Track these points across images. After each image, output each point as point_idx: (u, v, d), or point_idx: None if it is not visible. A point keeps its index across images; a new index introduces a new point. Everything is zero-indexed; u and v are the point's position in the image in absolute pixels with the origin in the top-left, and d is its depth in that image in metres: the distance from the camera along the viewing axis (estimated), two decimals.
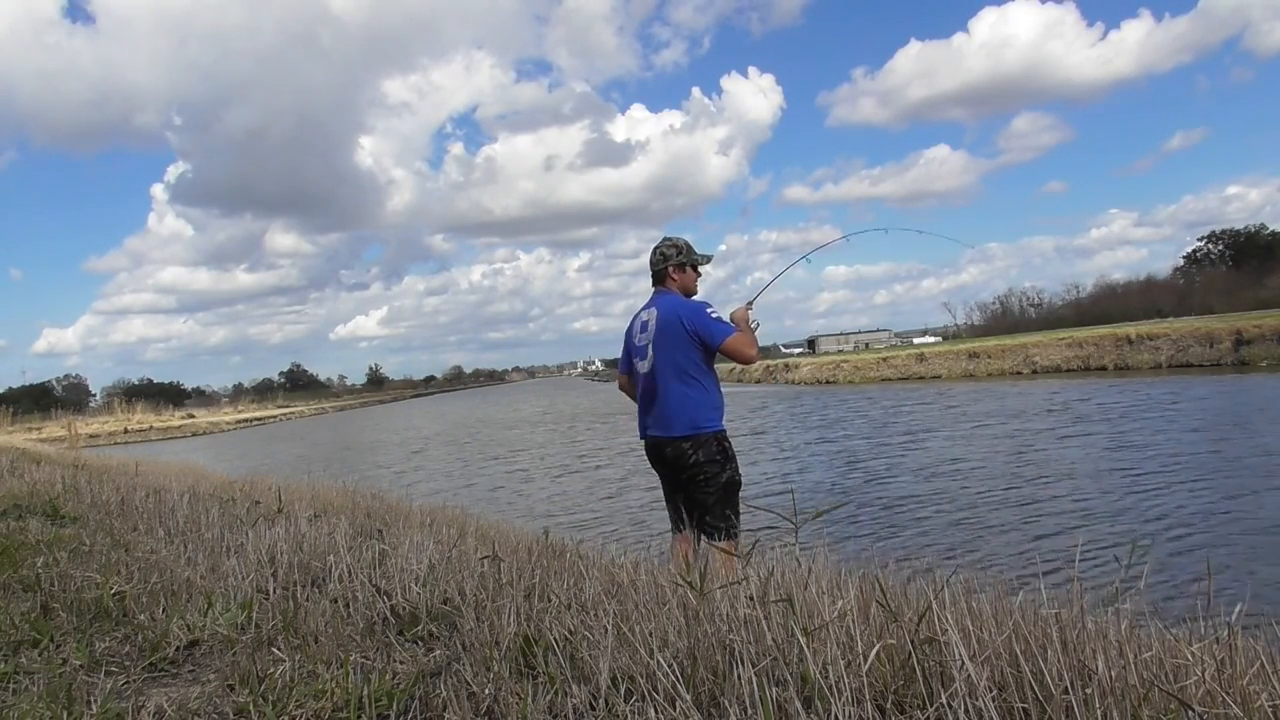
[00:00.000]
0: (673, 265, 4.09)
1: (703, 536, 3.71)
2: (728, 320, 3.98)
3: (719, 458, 3.87)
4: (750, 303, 4.22)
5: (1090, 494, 10.63)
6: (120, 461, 12.20)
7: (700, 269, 4.18)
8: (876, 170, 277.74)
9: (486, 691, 1.78)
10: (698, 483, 3.87)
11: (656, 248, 4.14)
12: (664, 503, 4.19)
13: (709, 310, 3.94)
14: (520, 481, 17.20)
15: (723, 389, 4.07)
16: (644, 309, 4.13)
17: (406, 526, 4.53)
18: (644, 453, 4.15)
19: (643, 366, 4.04)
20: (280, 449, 35.32)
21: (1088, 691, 1.46)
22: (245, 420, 69.02)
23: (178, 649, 2.26)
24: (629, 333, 4.19)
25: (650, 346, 3.98)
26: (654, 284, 4.16)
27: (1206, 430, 15.58)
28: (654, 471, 4.16)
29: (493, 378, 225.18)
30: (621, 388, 4.40)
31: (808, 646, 1.64)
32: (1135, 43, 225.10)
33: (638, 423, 4.16)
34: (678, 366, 3.90)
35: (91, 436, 48.38)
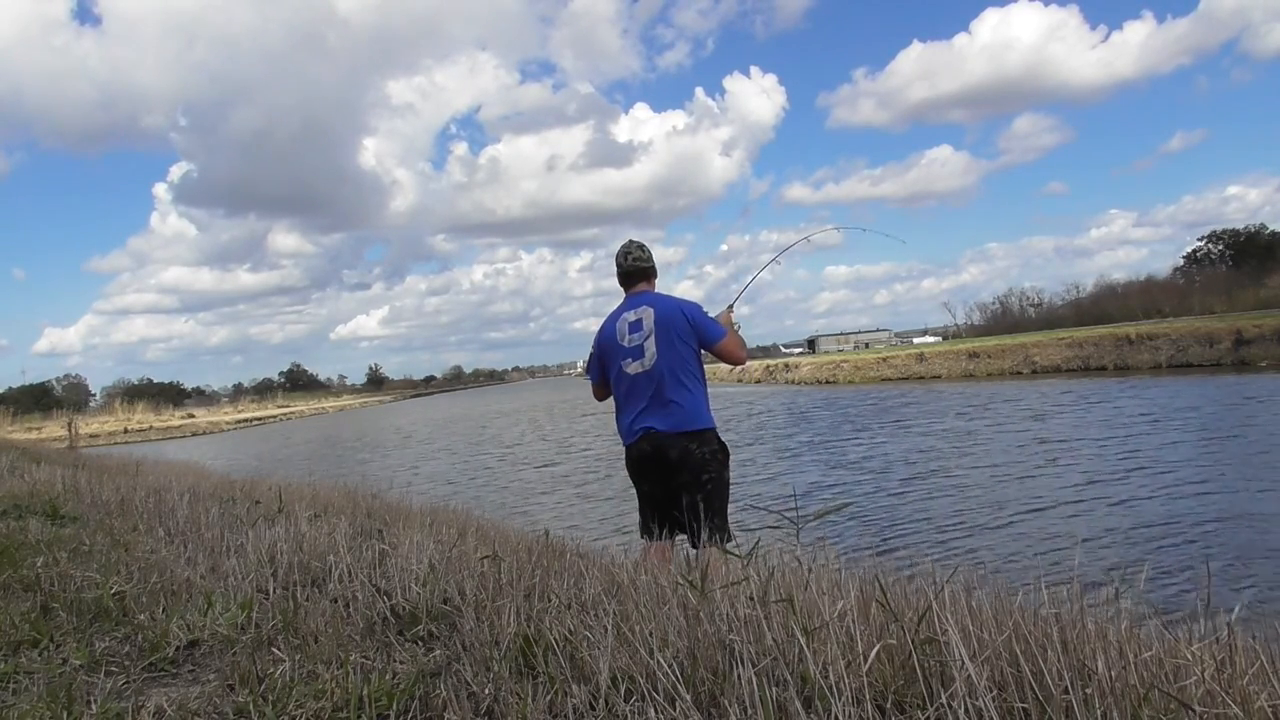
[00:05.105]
0: (651, 269, 4.08)
1: (709, 542, 3.50)
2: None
3: (721, 456, 3.81)
4: (730, 306, 4.32)
5: (1090, 494, 10.62)
6: (120, 461, 12.19)
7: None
8: (878, 170, 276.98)
9: (486, 691, 1.78)
10: (700, 482, 3.71)
11: (631, 251, 4.05)
12: (637, 509, 3.98)
13: (704, 311, 3.94)
14: (483, 470, 17.23)
15: (723, 388, 4.08)
16: (628, 309, 3.96)
17: (406, 526, 4.52)
18: (627, 458, 3.91)
19: (635, 367, 3.86)
20: (277, 448, 35.37)
21: (1088, 691, 1.46)
22: (245, 420, 69.03)
23: (178, 649, 2.26)
24: (609, 336, 3.99)
25: (649, 343, 3.83)
26: (632, 283, 4.04)
27: (1208, 431, 15.57)
28: (633, 476, 3.93)
29: (492, 377, 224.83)
30: (598, 396, 4.22)
31: (808, 646, 1.64)
32: (1136, 45, 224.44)
33: (622, 424, 3.93)
34: (681, 364, 3.82)
35: (92, 436, 48.40)
